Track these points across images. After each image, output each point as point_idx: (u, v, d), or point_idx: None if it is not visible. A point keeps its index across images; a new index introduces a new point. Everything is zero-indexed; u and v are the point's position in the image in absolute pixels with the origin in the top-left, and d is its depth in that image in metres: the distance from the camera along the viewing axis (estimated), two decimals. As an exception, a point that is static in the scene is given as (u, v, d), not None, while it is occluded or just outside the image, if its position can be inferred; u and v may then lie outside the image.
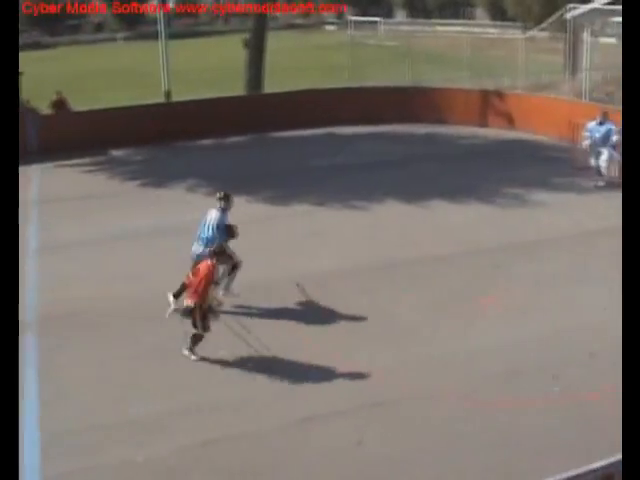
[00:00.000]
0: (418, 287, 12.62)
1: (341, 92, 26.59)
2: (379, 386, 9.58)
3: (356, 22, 68.55)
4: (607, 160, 18.03)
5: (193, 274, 10.07)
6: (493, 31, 61.15)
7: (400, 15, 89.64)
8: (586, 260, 13.67)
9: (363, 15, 78.32)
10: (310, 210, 16.91)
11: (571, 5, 24.62)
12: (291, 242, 14.90)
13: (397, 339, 10.87)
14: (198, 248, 11.34)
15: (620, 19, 23.57)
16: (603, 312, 11.39)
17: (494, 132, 24.31)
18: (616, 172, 17.59)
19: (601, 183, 18.15)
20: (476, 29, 65.43)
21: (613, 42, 31.33)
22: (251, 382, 9.76)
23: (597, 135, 18.10)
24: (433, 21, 77.08)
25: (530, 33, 29.49)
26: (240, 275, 11.88)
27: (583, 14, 24.17)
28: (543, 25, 27.90)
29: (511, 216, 16.16)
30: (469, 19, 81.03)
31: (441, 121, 25.08)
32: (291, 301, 12.04)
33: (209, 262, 10.11)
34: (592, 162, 18.45)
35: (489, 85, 27.37)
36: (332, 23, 78.14)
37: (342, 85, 27.52)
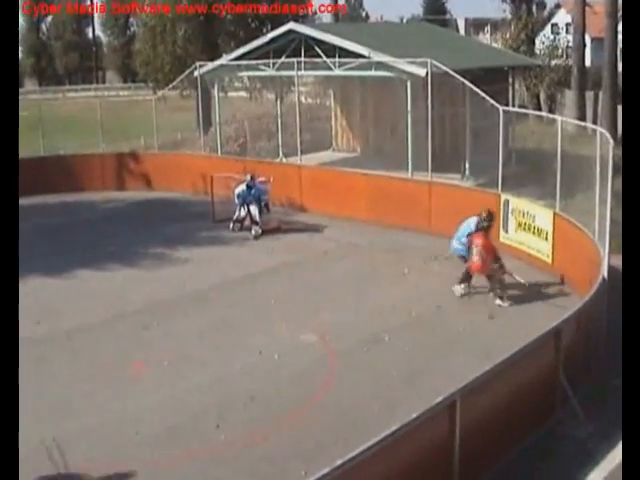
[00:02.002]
0: (72, 360, 12.08)
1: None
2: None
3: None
4: (259, 212, 19.01)
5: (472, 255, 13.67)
6: (126, 93, 61.64)
7: (30, 84, 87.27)
8: (235, 309, 14.03)
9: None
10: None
11: (199, 62, 25.36)
12: None
13: (52, 414, 10.26)
14: (455, 246, 14.42)
15: (246, 73, 24.79)
16: (259, 356, 11.83)
17: (133, 194, 24.34)
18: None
19: (259, 231, 18.93)
20: (109, 92, 65.56)
21: (242, 95, 32.89)
22: None
23: (249, 198, 19.01)
24: (65, 88, 75.98)
25: (161, 93, 29.92)
26: None
27: (211, 71, 24.97)
28: (174, 84, 28.44)
29: (157, 275, 16.17)
30: (101, 83, 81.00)
31: (79, 189, 24.56)
32: None
33: (482, 239, 13.57)
34: (242, 214, 19.22)
35: (126, 147, 27.37)
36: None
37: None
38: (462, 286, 14.20)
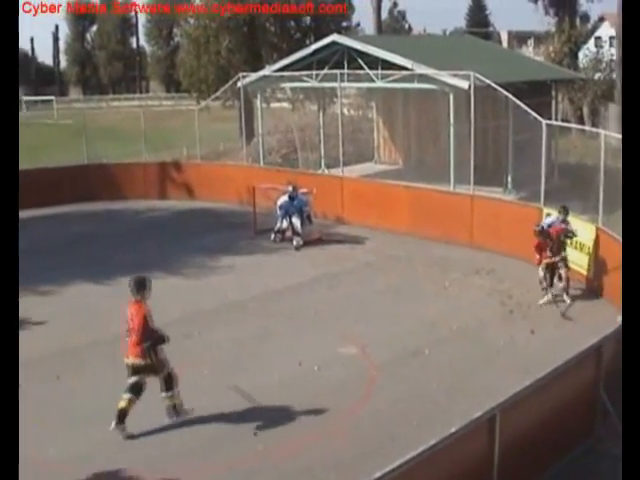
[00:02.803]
0: (111, 368, 12.18)
1: (15, 175, 25.42)
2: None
3: (27, 102, 66.79)
4: (300, 224, 19.08)
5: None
6: (169, 103, 62.23)
7: (75, 93, 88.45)
8: (275, 319, 14.08)
9: (35, 95, 76.33)
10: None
11: (243, 73, 25.52)
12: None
13: (91, 420, 10.34)
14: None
15: (288, 84, 24.92)
16: (298, 367, 11.87)
17: (175, 203, 24.61)
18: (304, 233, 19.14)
19: (300, 242, 18.99)
20: (152, 102, 66.24)
21: (285, 106, 33.05)
22: None
23: (292, 209, 19.09)
24: (108, 97, 76.91)
25: (204, 103, 30.18)
26: None
27: (254, 81, 25.12)
28: (217, 94, 28.68)
29: (199, 285, 16.31)
30: (145, 92, 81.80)
31: (122, 197, 24.91)
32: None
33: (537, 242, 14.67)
34: (284, 225, 19.31)
35: (168, 157, 27.63)
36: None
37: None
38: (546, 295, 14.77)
